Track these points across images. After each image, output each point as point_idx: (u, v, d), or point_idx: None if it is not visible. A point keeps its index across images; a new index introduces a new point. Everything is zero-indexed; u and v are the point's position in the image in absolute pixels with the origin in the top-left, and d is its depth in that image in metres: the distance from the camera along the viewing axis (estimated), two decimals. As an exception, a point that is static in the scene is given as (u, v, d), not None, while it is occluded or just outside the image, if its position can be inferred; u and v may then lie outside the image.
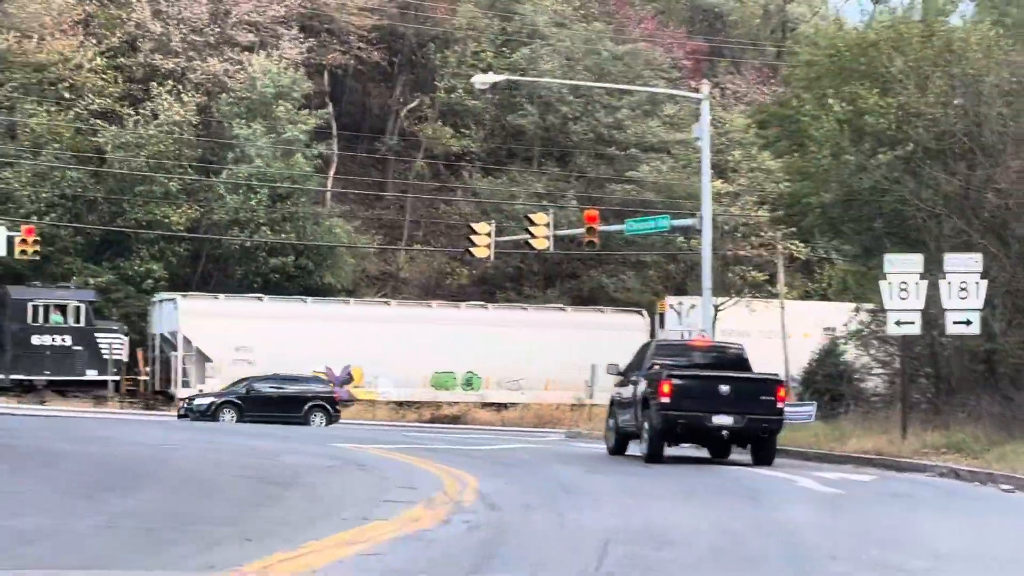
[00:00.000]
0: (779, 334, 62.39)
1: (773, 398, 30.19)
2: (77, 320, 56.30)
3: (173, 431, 40.31)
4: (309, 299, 60.90)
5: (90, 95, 65.10)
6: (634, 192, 69.30)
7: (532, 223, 47.63)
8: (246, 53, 69.06)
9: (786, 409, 32.23)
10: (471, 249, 48.59)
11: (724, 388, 29.87)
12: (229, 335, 56.91)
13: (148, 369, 59.10)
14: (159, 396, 58.44)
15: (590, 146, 73.03)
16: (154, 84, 66.36)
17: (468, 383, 61.46)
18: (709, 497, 21.50)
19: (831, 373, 56.38)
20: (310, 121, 67.33)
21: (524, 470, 26.39)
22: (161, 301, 58.71)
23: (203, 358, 57.00)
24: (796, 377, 55.18)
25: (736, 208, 61.69)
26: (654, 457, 29.65)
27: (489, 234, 48.44)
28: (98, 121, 64.53)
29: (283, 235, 62.32)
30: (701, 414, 29.58)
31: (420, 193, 77.06)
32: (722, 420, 29.57)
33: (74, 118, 64.34)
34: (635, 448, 32.20)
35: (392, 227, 76.06)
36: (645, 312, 63.11)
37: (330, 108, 74.42)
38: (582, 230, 48.51)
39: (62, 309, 56.34)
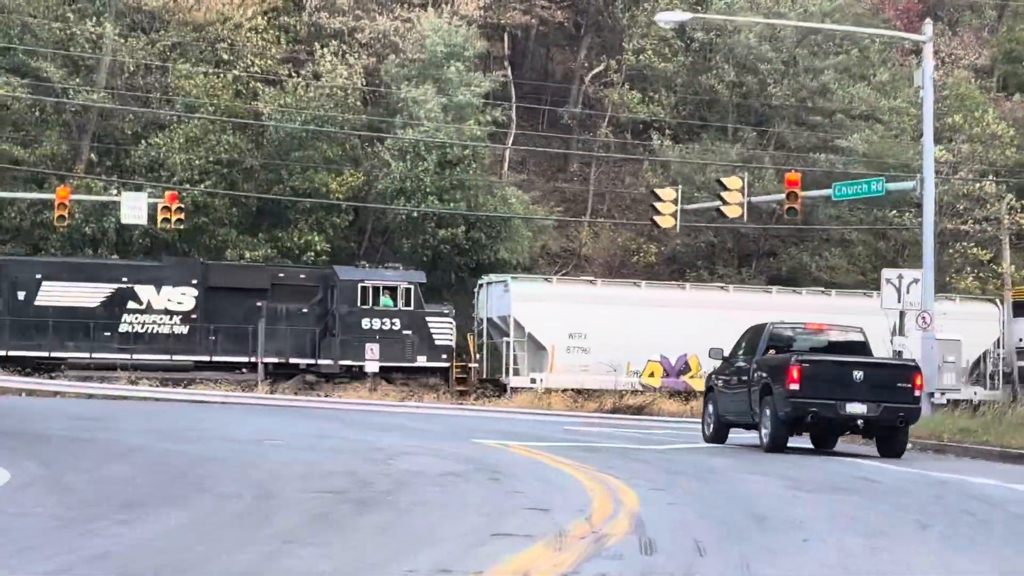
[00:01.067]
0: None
1: (910, 385, 28.06)
2: (407, 303, 53.05)
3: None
4: (643, 283, 57.26)
5: (250, 56, 60.51)
6: (840, 163, 62.72)
7: (724, 188, 41.70)
8: (418, 10, 63.84)
9: None
10: (655, 218, 42.76)
11: (858, 374, 27.84)
12: (562, 320, 53.17)
13: (478, 356, 55.18)
14: (487, 384, 54.54)
15: (791, 112, 66.58)
16: (317, 45, 61.57)
17: None
18: (961, 531, 15.24)
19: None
20: (484, 84, 61.77)
21: (704, 481, 20.79)
22: (489, 284, 55.07)
23: (536, 345, 52.88)
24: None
25: (957, 178, 55.25)
26: (776, 447, 28.10)
27: (675, 201, 42.66)
28: (258, 84, 59.77)
29: (452, 204, 56.63)
30: (834, 402, 27.61)
31: (605, 164, 70.96)
32: (856, 408, 27.63)
33: (232, 81, 59.68)
34: (736, 436, 31.34)
35: (574, 200, 70.20)
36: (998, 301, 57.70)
37: (509, 72, 69.01)
38: (781, 196, 42.38)
39: (392, 291, 53.28)
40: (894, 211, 59.24)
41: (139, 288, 51.11)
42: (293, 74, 60.45)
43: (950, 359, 38.11)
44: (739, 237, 66.91)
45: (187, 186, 54.37)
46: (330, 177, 57.17)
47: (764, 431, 28.11)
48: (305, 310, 52.86)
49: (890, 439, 28.22)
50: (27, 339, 49.73)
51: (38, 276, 50.38)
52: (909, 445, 28.05)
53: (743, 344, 31.19)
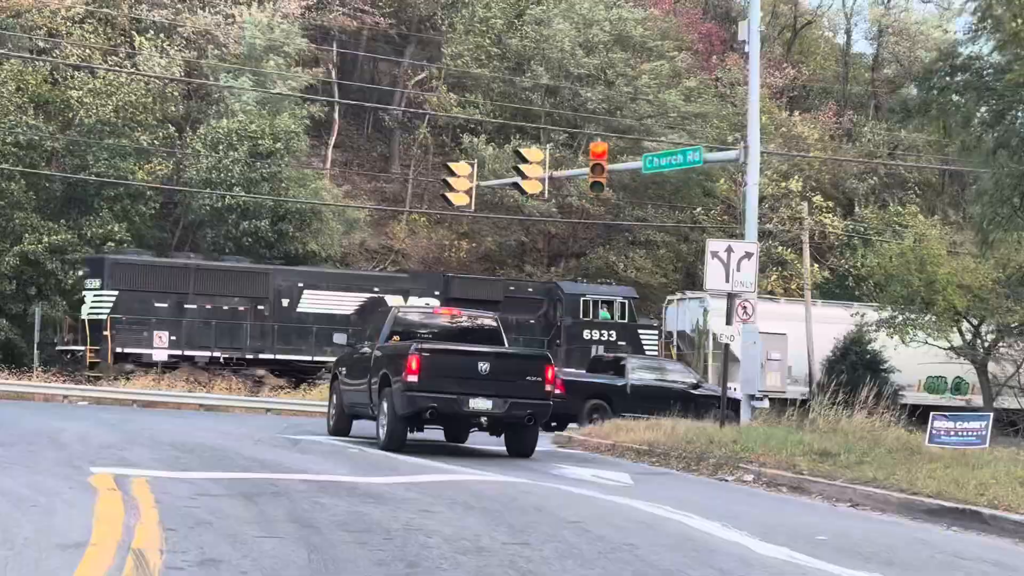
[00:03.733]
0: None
1: (541, 379, 24.53)
2: (622, 316, 54.43)
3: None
4: (819, 301, 57.12)
5: (68, 45, 57.42)
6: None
7: (523, 160, 39.06)
8: (240, 7, 61.16)
9: (942, 426, 22.98)
10: (447, 195, 40.07)
11: (483, 366, 24.14)
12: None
13: None
14: None
15: (603, 116, 64.96)
16: (135, 33, 58.66)
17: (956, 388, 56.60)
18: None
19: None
20: (303, 78, 59.27)
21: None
22: (681, 300, 55.99)
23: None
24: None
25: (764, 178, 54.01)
26: (394, 445, 24.11)
27: (470, 177, 39.92)
28: (76, 72, 56.41)
29: (257, 196, 53.53)
30: (456, 396, 23.89)
31: (423, 165, 68.70)
32: (480, 404, 24.02)
33: (48, 68, 56.26)
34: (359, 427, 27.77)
35: (394, 200, 67.77)
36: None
37: (333, 74, 66.69)
38: (585, 170, 39.77)
39: (609, 305, 54.22)
40: (700, 208, 57.86)
41: (389, 298, 50.61)
42: (108, 62, 57.20)
43: (775, 356, 33.86)
44: (549, 237, 65.14)
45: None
46: (137, 166, 53.75)
47: (382, 427, 24.58)
48: (532, 321, 53.50)
49: (518, 438, 25.03)
50: (289, 344, 50.38)
51: (300, 284, 50.93)
52: (751, 476, 21.76)
53: (368, 329, 27.97)
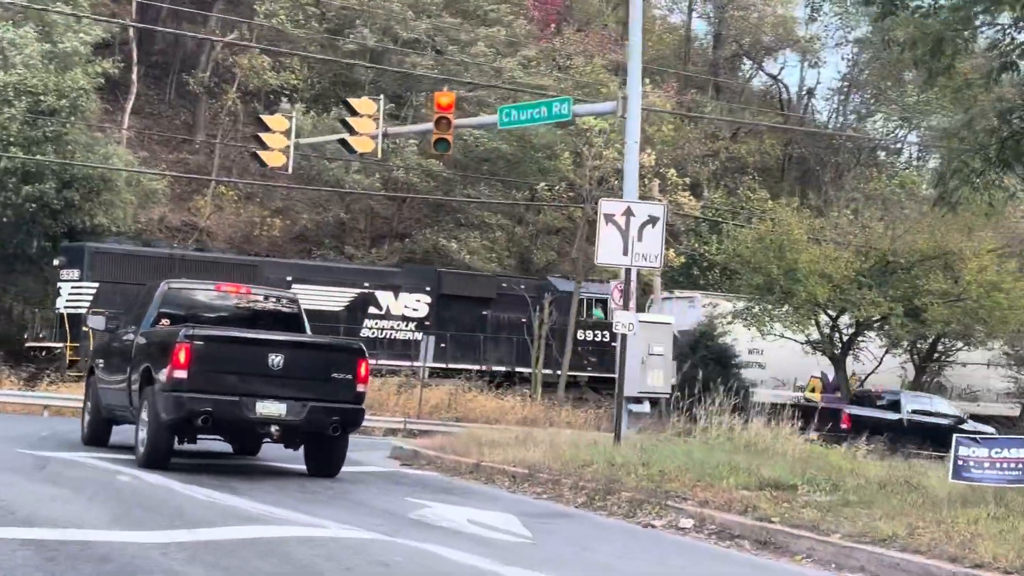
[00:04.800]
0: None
1: (351, 377, 19.01)
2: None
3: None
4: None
5: None
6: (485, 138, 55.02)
7: (353, 112, 32.22)
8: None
9: (973, 455, 16.13)
10: (260, 154, 33.12)
11: (276, 358, 18.43)
12: (743, 335, 50.19)
13: None
14: None
15: (433, 84, 58.29)
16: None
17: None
18: None
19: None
20: (95, 31, 51.43)
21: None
22: (668, 298, 52.97)
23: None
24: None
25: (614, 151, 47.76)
26: (156, 461, 18.34)
27: (287, 134, 33.05)
28: None
29: (38, 157, 45.28)
30: (238, 398, 18.18)
31: (232, 135, 61.02)
32: (271, 409, 18.32)
33: None
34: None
35: (200, 173, 60.04)
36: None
37: (131, 32, 58.86)
38: (429, 125, 33.13)
39: (603, 303, 50.00)
40: (543, 184, 51.76)
41: (380, 293, 49.30)
42: None
43: (658, 350, 27.29)
44: (372, 216, 58.43)
45: None
46: None
47: (142, 437, 18.62)
48: (524, 320, 50.44)
49: (321, 453, 19.57)
50: None
51: (289, 278, 47.08)
52: (689, 521, 15.95)
53: (134, 310, 21.87)
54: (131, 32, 58.70)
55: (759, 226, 50.52)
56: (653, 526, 15.71)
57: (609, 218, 21.30)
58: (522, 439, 23.58)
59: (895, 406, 41.89)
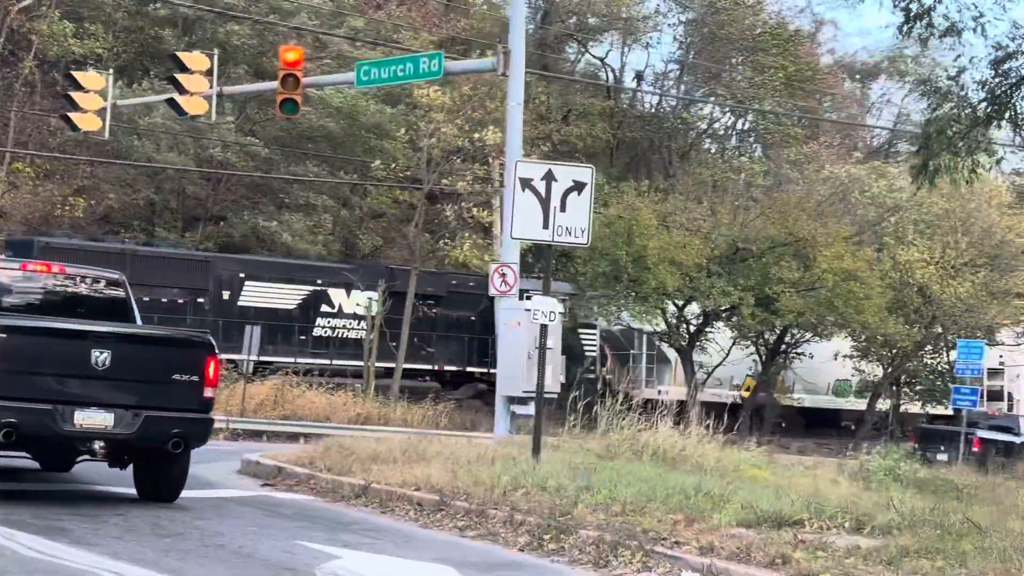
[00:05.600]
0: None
1: (197, 378, 14.84)
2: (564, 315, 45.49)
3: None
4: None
5: None
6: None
7: (183, 68, 27.84)
8: None
9: None
10: (70, 115, 28.45)
11: (100, 355, 14.10)
12: None
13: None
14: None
15: (252, 58, 53.71)
16: None
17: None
18: None
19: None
20: None
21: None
22: None
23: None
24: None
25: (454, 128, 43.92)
26: None
27: (103, 93, 28.50)
28: None
29: None
30: (51, 407, 13.86)
31: (28, 106, 55.45)
32: (94, 419, 14.08)
33: None
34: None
35: (-9, 148, 54.57)
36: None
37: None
38: (273, 84, 28.97)
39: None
40: (378, 162, 47.73)
41: (332, 291, 47.39)
42: None
43: (548, 344, 23.48)
44: (183, 197, 53.64)
45: None
46: None
47: None
48: (473, 318, 48.99)
49: (157, 473, 15.52)
50: (231, 342, 40.95)
51: (241, 275, 45.76)
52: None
53: None
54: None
55: (608, 211, 47.40)
56: (638, 583, 12.01)
57: (526, 183, 17.37)
58: (409, 452, 19.52)
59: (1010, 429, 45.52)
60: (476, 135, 44.62)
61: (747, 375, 49.46)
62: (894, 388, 54.53)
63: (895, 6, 18.41)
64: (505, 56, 25.06)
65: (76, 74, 30.35)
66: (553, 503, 14.59)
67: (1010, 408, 55.50)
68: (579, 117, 66.00)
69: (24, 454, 15.69)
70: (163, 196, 53.04)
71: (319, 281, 47.19)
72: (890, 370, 52.63)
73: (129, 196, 52.60)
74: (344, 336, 47.49)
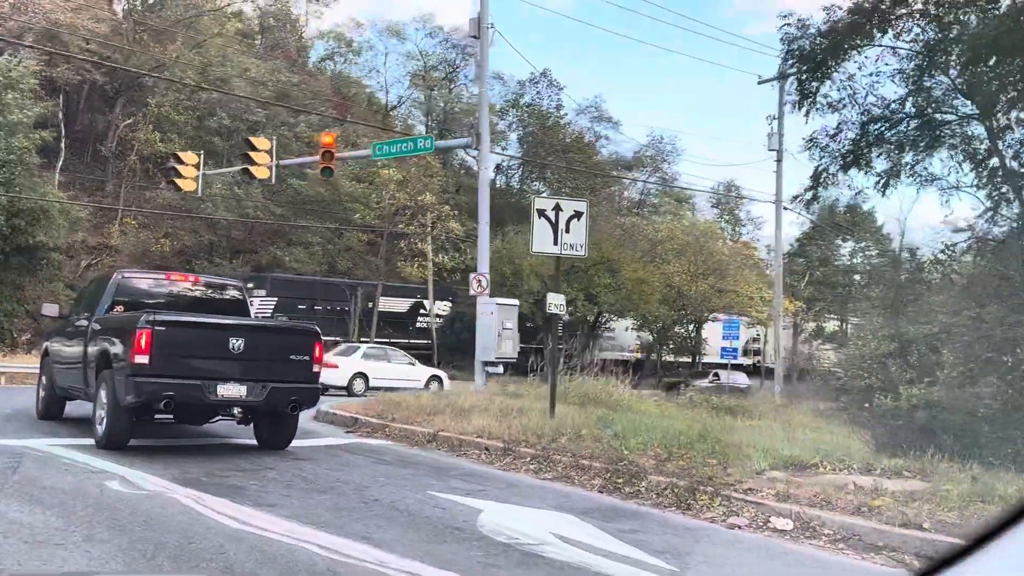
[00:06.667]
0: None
1: (308, 358, 12.19)
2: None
3: None
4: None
5: None
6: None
7: (253, 147, 25.29)
8: (-17, 53, 43.14)
9: None
10: (175, 180, 25.77)
11: (236, 342, 11.62)
12: None
13: None
14: None
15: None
16: None
17: None
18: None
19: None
20: (35, 109, 42.03)
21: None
22: None
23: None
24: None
25: (405, 194, 41.27)
26: (116, 443, 11.45)
27: (197, 166, 25.86)
28: None
29: (-7, 196, 36.59)
30: (200, 382, 11.37)
31: (134, 183, 51.82)
32: (232, 391, 11.57)
33: None
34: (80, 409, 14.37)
35: (110, 211, 50.70)
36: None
37: (61, 114, 49.21)
38: (315, 158, 26.43)
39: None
40: (358, 215, 44.82)
41: (425, 301, 45.27)
42: None
43: (508, 325, 21.67)
44: (230, 239, 50.43)
45: None
46: None
47: (100, 420, 11.72)
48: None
49: (275, 428, 12.82)
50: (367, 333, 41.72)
51: (380, 293, 44.28)
52: (789, 522, 8.15)
53: (85, 299, 14.80)
54: (60, 115, 49.10)
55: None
56: (739, 527, 8.13)
57: (541, 212, 14.90)
58: (440, 404, 16.05)
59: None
60: (420, 197, 42.33)
61: (635, 343, 47.59)
62: (659, 347, 53.36)
63: (796, 89, 16.43)
64: (478, 137, 22.80)
65: (181, 154, 27.53)
66: (611, 452, 11.03)
67: (761, 359, 53.95)
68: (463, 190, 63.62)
69: (168, 415, 12.88)
70: (218, 237, 49.81)
71: (417, 295, 45.19)
72: (657, 336, 51.43)
73: (196, 238, 49.33)
74: (429, 327, 45.27)
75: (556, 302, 14.69)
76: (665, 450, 10.79)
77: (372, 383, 30.11)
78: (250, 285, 38.71)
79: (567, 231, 14.82)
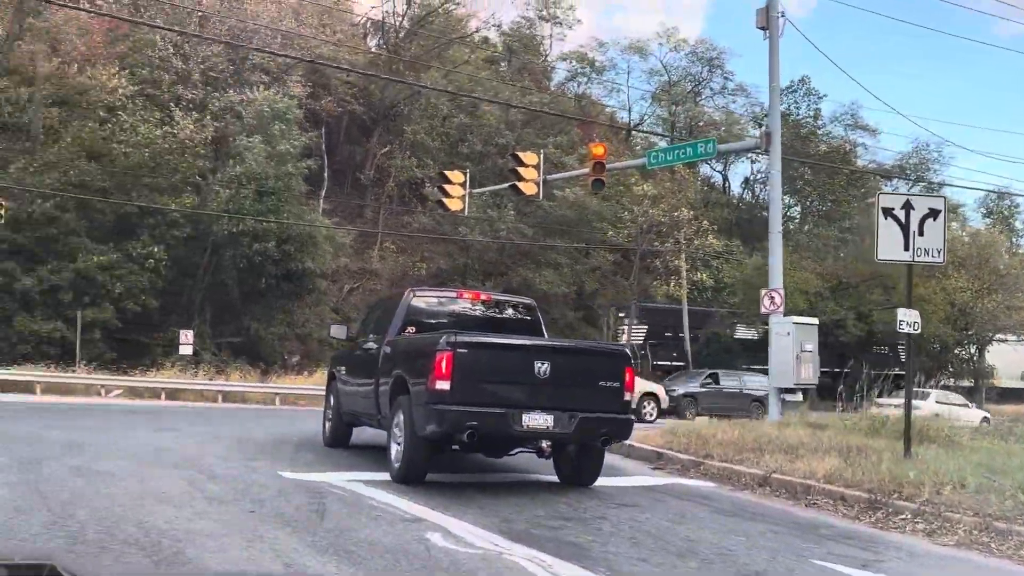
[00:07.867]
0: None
1: (619, 385, 9.90)
2: None
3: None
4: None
5: (121, 113, 41.16)
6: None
7: (520, 163, 24.30)
8: (260, 87, 45.32)
9: None
10: (443, 200, 25.46)
11: (542, 366, 9.49)
12: None
13: None
14: None
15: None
16: (176, 108, 42.52)
17: None
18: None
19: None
20: (301, 139, 43.74)
21: None
22: None
23: None
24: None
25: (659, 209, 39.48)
26: (413, 477, 9.82)
27: (463, 184, 25.41)
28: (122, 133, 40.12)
29: (264, 224, 37.82)
30: (504, 411, 9.34)
31: (391, 209, 53.15)
32: (538, 421, 9.44)
33: (107, 132, 40.00)
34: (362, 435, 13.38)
35: (369, 236, 52.15)
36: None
37: (323, 144, 51.25)
38: (585, 170, 25.26)
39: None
40: (610, 232, 43.68)
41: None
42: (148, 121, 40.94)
43: (808, 347, 19.45)
44: (483, 261, 50.54)
45: (39, 201, 34.84)
46: (172, 200, 37.97)
47: (395, 452, 10.26)
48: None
49: (581, 463, 10.84)
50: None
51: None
52: None
53: (373, 320, 13.41)
54: (323, 147, 51.19)
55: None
56: None
57: (888, 212, 12.36)
58: (747, 437, 13.66)
59: None
60: (675, 213, 40.46)
61: None
62: (938, 372, 48.32)
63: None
64: (767, 136, 20.62)
65: (448, 173, 27.09)
66: (1014, 508, 8.66)
67: None
68: (712, 205, 60.78)
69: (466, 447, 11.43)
70: (471, 260, 50.04)
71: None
72: (936, 359, 46.49)
73: (451, 261, 49.80)
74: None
75: (909, 319, 12.26)
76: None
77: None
78: (621, 315, 41.09)
79: (920, 233, 12.17)
